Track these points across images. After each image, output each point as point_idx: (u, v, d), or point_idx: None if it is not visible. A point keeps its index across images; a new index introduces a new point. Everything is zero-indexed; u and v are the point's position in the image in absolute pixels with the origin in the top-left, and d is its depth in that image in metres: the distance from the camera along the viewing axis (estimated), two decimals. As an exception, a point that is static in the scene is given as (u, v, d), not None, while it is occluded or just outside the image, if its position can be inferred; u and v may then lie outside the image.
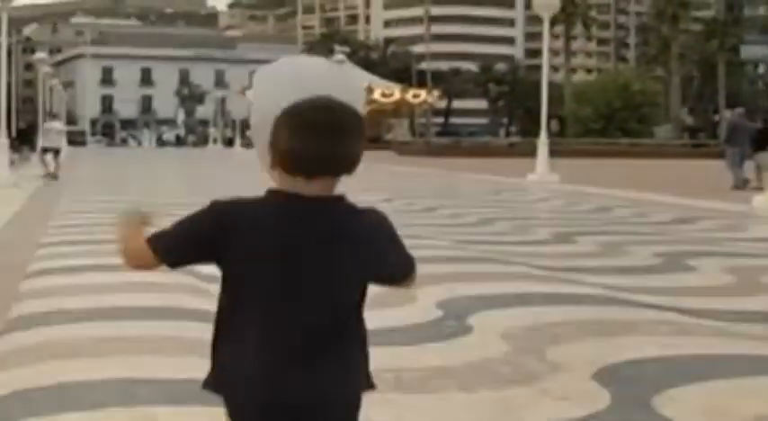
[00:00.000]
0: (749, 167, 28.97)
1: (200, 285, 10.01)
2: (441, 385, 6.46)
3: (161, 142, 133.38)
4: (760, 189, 25.89)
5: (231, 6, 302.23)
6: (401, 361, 6.96)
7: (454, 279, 10.83)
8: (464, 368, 6.93)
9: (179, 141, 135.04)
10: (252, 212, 2.85)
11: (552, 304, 9.42)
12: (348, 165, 2.83)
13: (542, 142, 35.59)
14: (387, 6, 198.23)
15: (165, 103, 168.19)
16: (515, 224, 18.38)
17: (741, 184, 28.95)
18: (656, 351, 7.44)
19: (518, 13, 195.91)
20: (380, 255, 2.90)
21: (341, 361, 2.84)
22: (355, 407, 2.89)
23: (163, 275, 11.06)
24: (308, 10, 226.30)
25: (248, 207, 2.86)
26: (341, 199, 2.88)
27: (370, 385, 2.93)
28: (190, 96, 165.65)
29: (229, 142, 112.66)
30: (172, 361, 7.07)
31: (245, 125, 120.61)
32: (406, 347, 7.51)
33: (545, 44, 36.34)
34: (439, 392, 6.32)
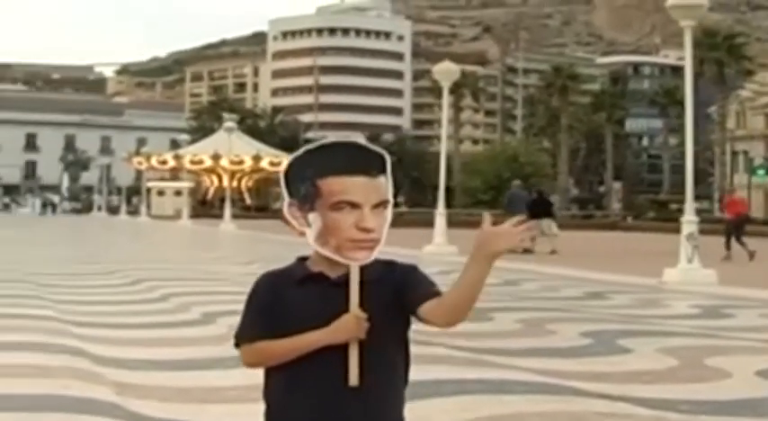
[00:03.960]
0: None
1: (94, 369, 8.96)
2: None
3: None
4: (530, 252, 29.18)
5: (119, 73, 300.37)
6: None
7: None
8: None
9: (47, 208, 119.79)
10: None
11: (488, 393, 8.51)
12: None
13: (440, 213, 34.86)
14: (275, 75, 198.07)
15: (50, 169, 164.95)
16: (424, 298, 17.48)
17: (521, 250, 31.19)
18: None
19: (406, 84, 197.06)
20: None
21: None
22: None
23: (51, 357, 9.94)
24: (196, 78, 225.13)
25: None
26: None
27: None
28: (75, 162, 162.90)
29: (114, 210, 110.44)
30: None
31: (130, 192, 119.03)
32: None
33: (444, 113, 35.83)
34: None
